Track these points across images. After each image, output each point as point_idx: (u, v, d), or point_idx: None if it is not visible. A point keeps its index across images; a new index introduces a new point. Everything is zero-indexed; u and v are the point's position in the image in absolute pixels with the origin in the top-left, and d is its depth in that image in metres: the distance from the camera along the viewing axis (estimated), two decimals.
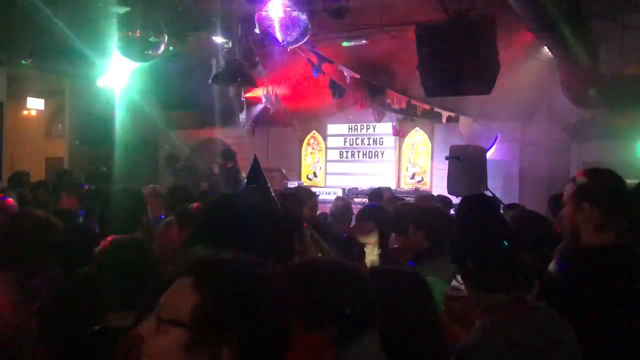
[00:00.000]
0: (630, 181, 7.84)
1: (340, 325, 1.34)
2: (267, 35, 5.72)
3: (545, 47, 7.75)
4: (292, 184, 10.28)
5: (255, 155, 2.74)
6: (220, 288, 1.12)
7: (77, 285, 2.44)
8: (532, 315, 1.87)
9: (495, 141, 9.17)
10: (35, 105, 13.09)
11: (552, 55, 7.78)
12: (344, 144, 11.78)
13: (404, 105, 9.98)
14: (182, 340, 1.09)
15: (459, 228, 2.11)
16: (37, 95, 12.90)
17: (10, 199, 4.18)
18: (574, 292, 2.08)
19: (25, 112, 13.26)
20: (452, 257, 2.05)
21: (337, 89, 9.85)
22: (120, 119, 10.93)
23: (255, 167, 2.72)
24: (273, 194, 3.01)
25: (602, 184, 2.29)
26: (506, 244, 1.91)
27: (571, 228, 2.31)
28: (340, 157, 11.85)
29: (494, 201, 2.22)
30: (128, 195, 3.36)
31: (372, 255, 3.36)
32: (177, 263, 1.25)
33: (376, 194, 6.71)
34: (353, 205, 7.73)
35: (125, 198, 3.31)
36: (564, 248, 2.45)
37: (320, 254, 2.90)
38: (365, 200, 9.86)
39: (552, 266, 2.27)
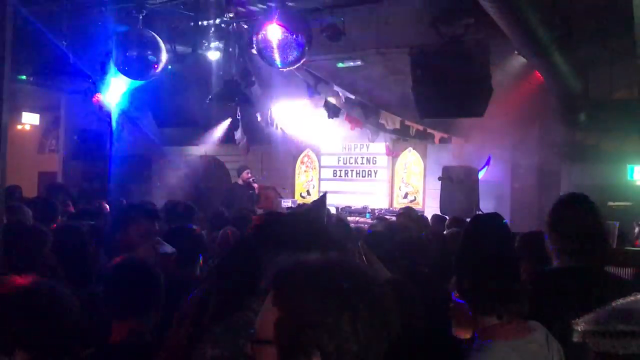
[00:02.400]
0: (620, 203, 7.89)
1: None
2: (265, 56, 5.81)
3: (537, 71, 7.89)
4: (286, 202, 10.32)
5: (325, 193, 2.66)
6: (296, 300, 1.07)
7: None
8: (526, 340, 1.89)
9: (487, 163, 9.25)
10: (30, 120, 13.12)
11: (543, 79, 7.92)
12: (338, 163, 11.85)
13: (397, 126, 10.09)
14: (274, 358, 1.06)
15: (463, 246, 2.12)
16: (32, 110, 12.94)
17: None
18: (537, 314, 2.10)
19: (19, 127, 13.28)
20: (455, 272, 2.08)
21: (331, 109, 9.95)
22: (114, 134, 10.97)
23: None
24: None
25: (556, 212, 2.52)
26: None
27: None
28: (334, 176, 11.91)
29: (501, 223, 2.19)
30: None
31: None
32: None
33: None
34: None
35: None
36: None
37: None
38: (357, 218, 9.93)
39: None
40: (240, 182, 9.33)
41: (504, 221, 2.19)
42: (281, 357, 1.05)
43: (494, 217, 2.22)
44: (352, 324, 1.05)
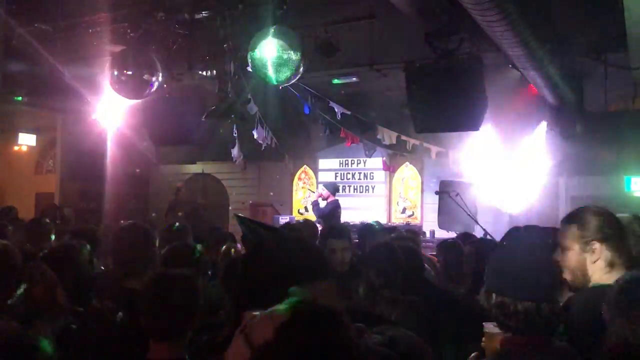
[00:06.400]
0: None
1: None
2: (260, 73, 5.82)
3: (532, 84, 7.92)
4: (284, 219, 10.28)
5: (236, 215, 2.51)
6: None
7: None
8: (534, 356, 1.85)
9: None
10: (26, 140, 13.12)
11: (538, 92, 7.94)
12: (335, 179, 11.83)
13: (394, 141, 10.10)
14: None
15: (492, 259, 2.02)
16: (29, 131, 12.94)
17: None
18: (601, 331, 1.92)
19: (16, 148, 13.28)
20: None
21: (327, 125, 9.97)
22: (111, 154, 10.98)
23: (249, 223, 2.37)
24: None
25: (608, 222, 2.28)
26: None
27: (580, 270, 2.25)
28: None
29: (529, 244, 2.01)
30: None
31: None
32: None
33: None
34: None
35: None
36: (577, 290, 2.32)
37: None
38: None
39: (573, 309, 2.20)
40: None
41: (537, 240, 2.02)
42: None
43: (524, 236, 2.09)
44: None
